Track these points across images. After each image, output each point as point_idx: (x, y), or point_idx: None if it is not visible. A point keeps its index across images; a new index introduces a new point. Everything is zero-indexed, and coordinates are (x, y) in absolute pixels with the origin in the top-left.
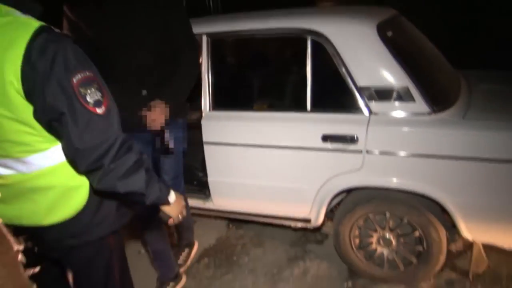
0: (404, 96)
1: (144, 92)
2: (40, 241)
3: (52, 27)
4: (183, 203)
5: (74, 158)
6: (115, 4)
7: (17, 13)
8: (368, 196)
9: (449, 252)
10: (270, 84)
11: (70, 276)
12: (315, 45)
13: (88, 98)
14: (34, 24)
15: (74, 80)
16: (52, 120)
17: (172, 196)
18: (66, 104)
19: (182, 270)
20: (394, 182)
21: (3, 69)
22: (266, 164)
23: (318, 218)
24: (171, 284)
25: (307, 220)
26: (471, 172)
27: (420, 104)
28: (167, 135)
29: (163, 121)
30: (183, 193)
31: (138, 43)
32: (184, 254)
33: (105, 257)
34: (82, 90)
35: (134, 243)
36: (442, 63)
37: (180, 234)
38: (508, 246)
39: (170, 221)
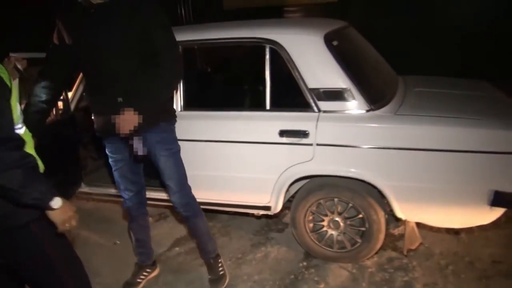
0: (347, 96)
1: (120, 99)
2: None
3: None
4: (70, 213)
5: None
6: (98, 15)
7: None
8: (319, 184)
9: (391, 235)
10: (234, 86)
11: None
12: (272, 52)
13: None
14: None
15: None
16: None
17: (57, 203)
18: None
19: None
20: (340, 170)
21: None
22: (230, 158)
23: (277, 205)
24: (148, 270)
25: (268, 208)
26: (402, 159)
27: (360, 103)
28: (135, 142)
29: (132, 128)
30: (191, 197)
31: (116, 52)
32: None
33: (34, 245)
34: None
35: (110, 235)
36: (383, 68)
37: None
38: (435, 224)
39: (59, 230)
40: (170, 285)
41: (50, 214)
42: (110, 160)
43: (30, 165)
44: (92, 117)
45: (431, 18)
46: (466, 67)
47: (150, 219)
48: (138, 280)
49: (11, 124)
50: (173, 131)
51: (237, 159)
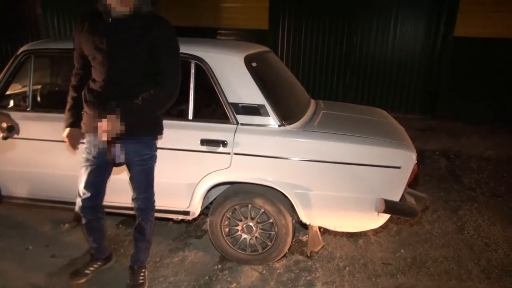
0: (262, 112)
1: (114, 104)
2: None
3: None
4: None
5: None
6: (113, 26)
7: None
8: (235, 191)
9: (300, 241)
10: None
11: None
12: (197, 67)
13: None
14: None
15: None
16: None
17: None
18: None
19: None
20: (253, 178)
21: None
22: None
23: (195, 210)
24: (99, 263)
25: (187, 213)
26: (306, 170)
27: (273, 119)
28: (116, 149)
29: (113, 135)
30: (152, 203)
31: (121, 63)
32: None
33: None
34: None
35: (23, 240)
36: (297, 90)
37: None
38: (333, 228)
39: None
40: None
41: None
42: (83, 154)
43: None
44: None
45: (352, 52)
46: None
47: (66, 225)
48: (87, 271)
49: None
50: (152, 146)
51: (160, 165)
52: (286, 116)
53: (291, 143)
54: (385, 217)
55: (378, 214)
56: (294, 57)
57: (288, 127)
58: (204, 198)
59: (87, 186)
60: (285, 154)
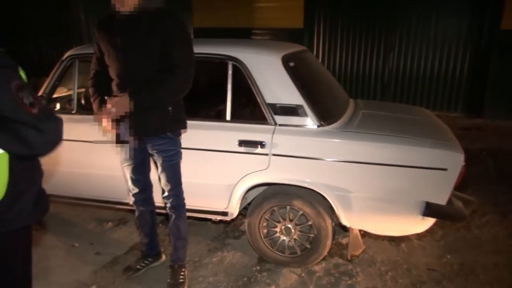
0: (300, 112)
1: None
2: None
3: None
4: None
5: None
6: (124, 23)
7: None
8: (273, 192)
9: (339, 244)
10: (198, 97)
11: None
12: (234, 68)
13: (25, 100)
14: None
15: (12, 85)
16: None
17: None
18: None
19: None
20: (292, 179)
21: None
22: (192, 164)
23: (234, 211)
24: (149, 259)
25: (225, 213)
26: (346, 171)
27: (311, 119)
28: (122, 126)
29: (122, 113)
30: (182, 199)
31: (133, 58)
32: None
33: (10, 251)
34: (19, 94)
35: (69, 237)
36: (335, 89)
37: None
38: (375, 231)
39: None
40: (124, 285)
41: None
42: (122, 154)
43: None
44: None
45: (391, 49)
46: (417, 95)
47: (109, 223)
48: (138, 267)
49: None
50: (177, 142)
51: (198, 166)
52: (325, 116)
53: (330, 144)
54: (430, 221)
55: (422, 218)
56: (330, 55)
57: (327, 128)
58: (242, 199)
59: (133, 183)
60: (324, 155)
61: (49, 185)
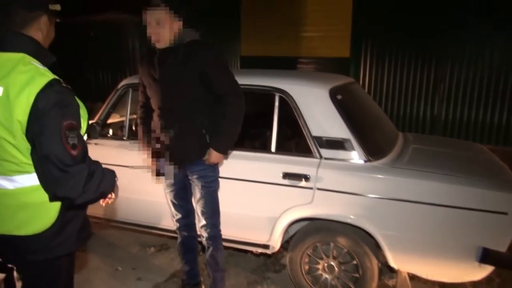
0: (347, 146)
1: (171, 131)
2: (5, 251)
3: (61, 80)
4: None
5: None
6: (161, 57)
7: (38, 64)
8: (317, 227)
9: (385, 285)
10: (244, 128)
11: (18, 285)
12: (281, 100)
13: (69, 140)
14: (48, 76)
15: (64, 123)
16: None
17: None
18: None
19: None
20: (337, 215)
21: (14, 107)
22: (235, 195)
23: (275, 244)
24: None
25: (266, 246)
26: (396, 210)
27: (359, 153)
28: (161, 161)
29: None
30: (219, 231)
31: (171, 91)
32: None
33: (54, 276)
34: (67, 132)
35: (113, 260)
36: (383, 123)
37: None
38: (426, 276)
39: (115, 198)
40: None
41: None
42: (163, 182)
43: (92, 168)
44: None
45: (441, 79)
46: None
47: (152, 248)
48: None
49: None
50: (215, 169)
51: (241, 197)
52: (373, 151)
53: (379, 180)
54: (488, 268)
55: (479, 265)
56: (377, 86)
57: (375, 163)
58: (284, 232)
59: (176, 208)
60: (372, 192)
61: (97, 208)
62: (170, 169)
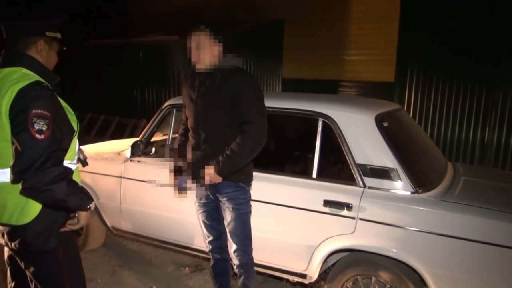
0: (393, 176)
1: (199, 153)
2: (8, 239)
3: (45, 83)
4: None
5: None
6: (200, 81)
7: (30, 74)
8: (358, 259)
9: None
10: (284, 152)
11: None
12: (324, 125)
13: (36, 126)
14: (32, 79)
15: (33, 111)
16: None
17: (93, 205)
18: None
19: None
20: (380, 248)
21: (2, 104)
22: (273, 220)
23: (313, 274)
24: None
25: (303, 276)
26: (445, 246)
27: (405, 184)
28: (179, 178)
29: (211, 181)
30: (250, 258)
31: (205, 113)
32: None
33: (54, 267)
34: (34, 118)
35: (149, 278)
36: (432, 152)
37: None
38: None
39: (78, 226)
40: None
41: (81, 213)
42: (195, 203)
43: (70, 176)
44: None
45: (493, 106)
46: None
47: (187, 269)
48: None
49: (62, 155)
50: (245, 192)
51: (279, 222)
52: (421, 182)
53: (427, 214)
54: None
55: None
56: (423, 112)
57: (423, 195)
58: (323, 262)
59: (208, 230)
60: (419, 226)
61: (134, 224)
62: (201, 190)
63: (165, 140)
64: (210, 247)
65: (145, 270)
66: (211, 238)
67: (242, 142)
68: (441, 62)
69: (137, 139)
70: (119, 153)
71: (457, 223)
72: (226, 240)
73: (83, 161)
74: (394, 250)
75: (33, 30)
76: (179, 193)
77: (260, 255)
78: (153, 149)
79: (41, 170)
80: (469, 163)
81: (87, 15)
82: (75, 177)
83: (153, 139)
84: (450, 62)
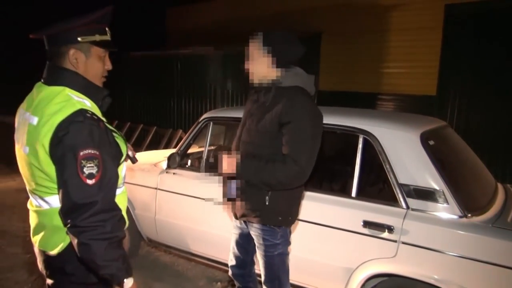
0: (439, 198)
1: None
2: (44, 266)
3: (90, 111)
4: None
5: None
6: (255, 96)
7: (74, 96)
8: (398, 285)
9: None
10: (322, 169)
11: None
12: (365, 142)
13: (85, 170)
14: (76, 106)
15: (81, 153)
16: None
17: (129, 283)
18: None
19: None
20: (423, 274)
21: (40, 134)
22: (309, 239)
23: None
24: None
25: None
26: (494, 277)
27: (453, 208)
28: (230, 184)
29: (229, 170)
30: None
31: (252, 131)
32: None
33: None
34: (83, 162)
35: None
36: (481, 173)
37: None
38: None
39: None
40: None
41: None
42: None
43: (116, 239)
44: None
45: None
46: None
47: (219, 284)
48: None
49: (114, 194)
50: (275, 234)
51: (315, 242)
52: (470, 205)
53: (477, 241)
54: None
55: None
56: (468, 129)
57: (473, 220)
58: (361, 286)
59: (233, 254)
60: (467, 253)
61: (169, 237)
62: (234, 187)
63: (201, 152)
64: (231, 271)
65: (177, 283)
66: (233, 263)
67: (275, 167)
68: (488, 76)
69: (174, 150)
70: (155, 164)
71: (509, 252)
72: (250, 271)
73: (132, 158)
74: (436, 277)
75: (60, 37)
76: (228, 201)
77: (295, 275)
78: (189, 162)
79: (88, 222)
80: None
81: (128, 28)
82: (120, 201)
83: (189, 151)
84: (495, 75)
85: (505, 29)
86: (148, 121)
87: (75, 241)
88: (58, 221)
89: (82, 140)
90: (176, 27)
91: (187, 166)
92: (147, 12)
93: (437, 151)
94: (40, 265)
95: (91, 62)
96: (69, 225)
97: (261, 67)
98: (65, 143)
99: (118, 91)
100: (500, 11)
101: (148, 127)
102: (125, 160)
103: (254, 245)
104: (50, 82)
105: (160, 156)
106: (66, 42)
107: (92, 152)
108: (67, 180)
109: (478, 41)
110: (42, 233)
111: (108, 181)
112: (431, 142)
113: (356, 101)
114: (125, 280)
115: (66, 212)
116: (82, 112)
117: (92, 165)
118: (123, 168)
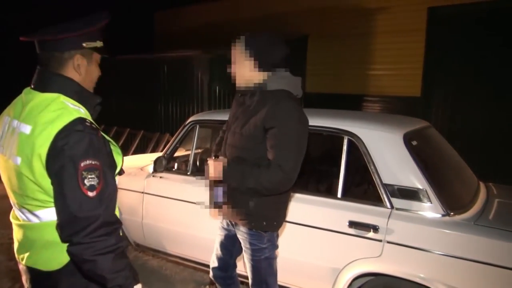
0: (422, 197)
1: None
2: (31, 285)
3: (88, 120)
4: None
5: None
6: (240, 99)
7: (70, 104)
8: (383, 284)
9: None
10: (308, 170)
11: None
12: (350, 143)
13: (86, 182)
14: (73, 115)
15: (82, 164)
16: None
17: None
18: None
19: None
20: (407, 273)
21: (35, 143)
22: (294, 240)
23: None
24: None
25: None
26: (477, 274)
27: (436, 206)
28: (217, 189)
29: (216, 175)
30: None
31: (236, 134)
32: None
33: None
34: (84, 173)
35: None
36: (463, 172)
37: None
38: None
39: None
40: None
41: None
42: (219, 223)
43: (121, 249)
44: None
45: None
46: None
47: (207, 287)
48: None
49: (115, 206)
50: (261, 238)
51: (302, 243)
52: (452, 204)
53: (459, 238)
54: None
55: None
56: (451, 129)
57: (455, 218)
58: (348, 286)
59: (216, 256)
60: (450, 251)
61: (156, 241)
62: (220, 193)
63: (187, 155)
64: (212, 274)
65: (166, 287)
66: (215, 265)
67: (260, 175)
68: (472, 76)
69: (160, 154)
70: (142, 168)
71: (491, 249)
72: (233, 273)
73: (120, 170)
74: (422, 276)
75: (64, 42)
76: (214, 207)
77: (282, 277)
78: (176, 165)
79: (91, 237)
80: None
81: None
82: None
83: (176, 154)
84: (479, 76)
85: (488, 30)
86: (135, 125)
87: (79, 258)
88: (49, 235)
89: (83, 150)
90: (164, 31)
91: (173, 169)
92: (134, 16)
93: (420, 151)
94: (26, 284)
95: (92, 68)
96: (71, 242)
97: (244, 70)
98: (65, 153)
99: (105, 95)
100: (482, 13)
101: (135, 131)
102: (119, 173)
103: (239, 247)
104: (41, 88)
105: (147, 159)
106: (70, 47)
107: (93, 162)
108: (66, 192)
109: (461, 43)
110: (31, 250)
111: (109, 193)
112: (414, 143)
113: (343, 103)
114: (134, 287)
115: (66, 226)
116: (81, 121)
117: (93, 176)
118: (116, 181)
